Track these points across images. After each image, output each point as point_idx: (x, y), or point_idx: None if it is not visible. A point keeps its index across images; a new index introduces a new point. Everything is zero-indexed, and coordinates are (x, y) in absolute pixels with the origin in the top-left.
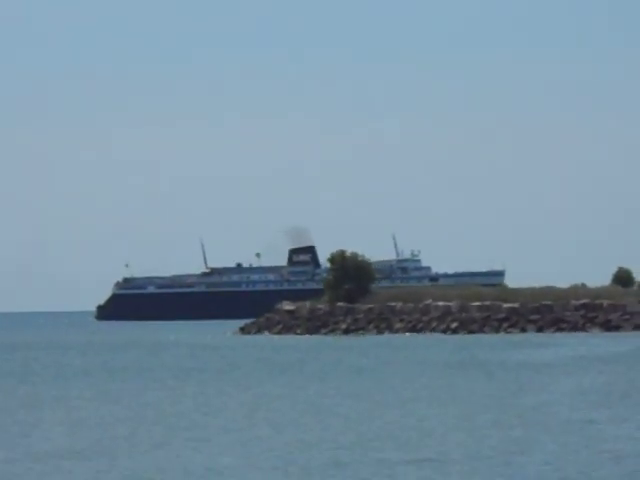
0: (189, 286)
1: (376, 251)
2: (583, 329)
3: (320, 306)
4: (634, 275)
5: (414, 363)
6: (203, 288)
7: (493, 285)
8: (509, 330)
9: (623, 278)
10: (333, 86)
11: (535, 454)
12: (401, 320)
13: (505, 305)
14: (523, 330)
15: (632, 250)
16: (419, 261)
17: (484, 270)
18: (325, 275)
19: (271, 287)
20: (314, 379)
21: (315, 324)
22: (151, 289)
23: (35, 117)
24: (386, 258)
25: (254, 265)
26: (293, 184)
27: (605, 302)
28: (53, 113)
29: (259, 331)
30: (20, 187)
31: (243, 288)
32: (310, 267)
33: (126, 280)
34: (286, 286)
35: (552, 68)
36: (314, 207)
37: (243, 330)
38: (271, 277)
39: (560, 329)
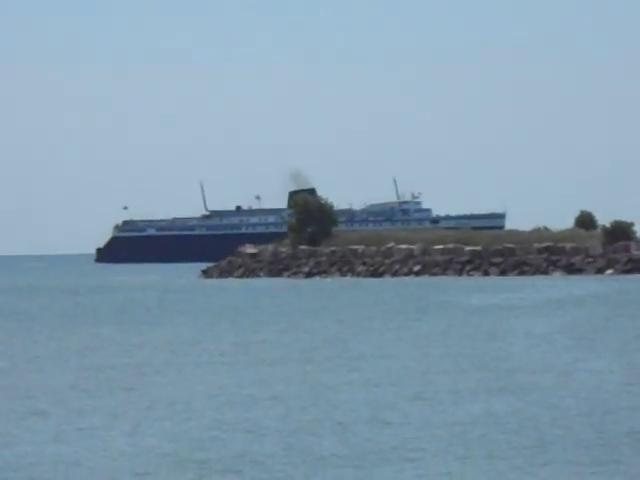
0: (189, 229)
1: (377, 193)
2: (546, 272)
3: (283, 249)
4: (596, 218)
5: (376, 307)
6: (203, 231)
7: (494, 228)
8: (471, 273)
9: (585, 221)
10: (333, 28)
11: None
12: (363, 263)
13: (467, 248)
14: (486, 273)
15: (594, 193)
16: (420, 203)
17: (485, 212)
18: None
19: (271, 229)
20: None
21: (277, 267)
22: (151, 231)
23: (33, 55)
24: (387, 200)
25: (254, 207)
26: (292, 126)
27: (568, 245)
28: (50, 51)
29: (221, 275)
30: (19, 128)
31: (243, 230)
32: None
33: (126, 223)
34: (286, 228)
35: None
36: (314, 149)
37: (205, 273)
38: (271, 219)
39: (522, 272)
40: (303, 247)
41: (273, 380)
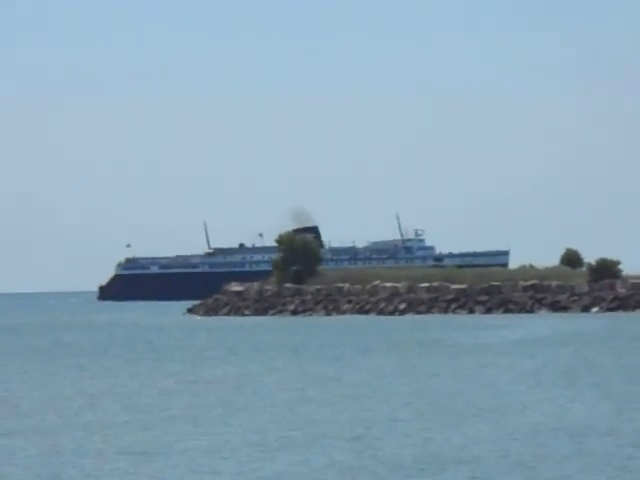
0: (192, 266)
1: (380, 231)
2: (531, 310)
3: (268, 287)
4: (582, 256)
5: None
6: (206, 268)
7: (498, 265)
8: (457, 311)
9: (571, 259)
10: (334, 67)
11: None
12: (349, 301)
13: (453, 286)
14: (471, 311)
15: (580, 231)
16: (423, 241)
17: (489, 250)
18: (327, 255)
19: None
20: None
21: (263, 305)
22: (154, 269)
23: (34, 90)
24: (390, 238)
25: (257, 245)
26: (295, 165)
27: (553, 283)
28: (55, 85)
29: (207, 312)
30: (21, 163)
31: (246, 268)
32: None
33: (128, 260)
34: None
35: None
36: (317, 188)
37: (191, 311)
38: (274, 257)
39: (508, 310)
40: (288, 285)
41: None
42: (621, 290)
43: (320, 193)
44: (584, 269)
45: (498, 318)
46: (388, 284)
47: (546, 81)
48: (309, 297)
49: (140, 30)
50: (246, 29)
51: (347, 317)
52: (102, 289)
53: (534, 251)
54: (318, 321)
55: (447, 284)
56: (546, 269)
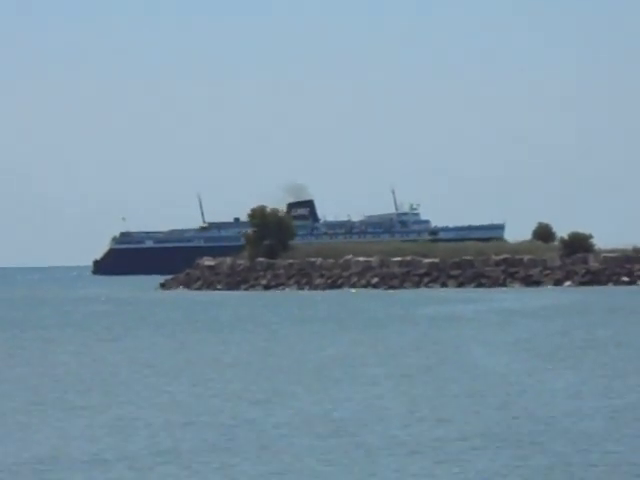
0: (187, 240)
1: (375, 205)
2: (504, 284)
3: (240, 262)
4: (554, 230)
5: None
6: (201, 242)
7: (493, 239)
8: (430, 285)
9: (543, 233)
10: (329, 43)
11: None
12: (321, 276)
13: (425, 260)
14: (444, 285)
15: (552, 205)
16: (418, 215)
17: (484, 224)
18: (322, 229)
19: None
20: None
21: (235, 280)
22: (149, 243)
23: (35, 66)
24: (385, 212)
25: None
26: (291, 138)
27: (525, 257)
28: (48, 63)
29: (180, 287)
30: (16, 139)
31: (241, 242)
32: (309, 221)
33: (123, 234)
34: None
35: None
36: (312, 161)
37: (164, 286)
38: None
39: (481, 284)
40: (261, 260)
41: None
42: (593, 264)
43: (315, 167)
44: (556, 243)
45: (470, 292)
46: (361, 258)
47: (539, 58)
48: (281, 271)
49: (134, 12)
50: (239, 6)
51: (319, 291)
52: (96, 263)
53: (530, 224)
54: (288, 295)
55: (419, 258)
56: (518, 243)
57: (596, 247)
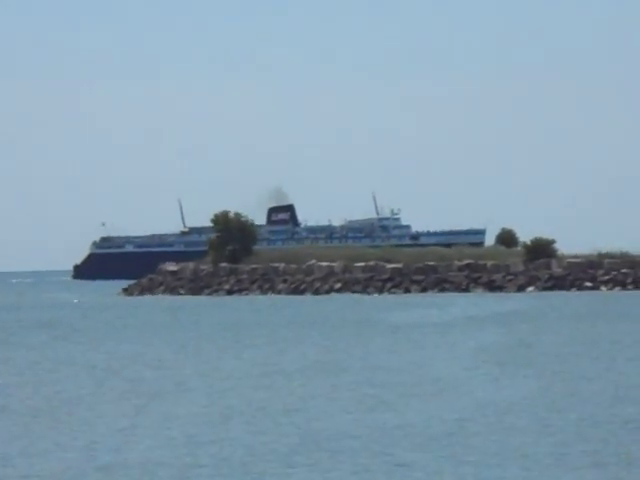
0: (168, 245)
1: (356, 210)
2: (467, 289)
3: (203, 267)
4: (517, 236)
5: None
6: (181, 247)
7: (474, 244)
8: (393, 291)
9: (506, 239)
10: (310, 44)
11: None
12: (284, 281)
13: (389, 266)
14: (407, 290)
15: (515, 210)
16: (399, 219)
17: (465, 229)
18: (303, 234)
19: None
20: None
21: (198, 285)
22: (129, 248)
23: (14, 69)
24: (366, 217)
25: None
26: (271, 142)
27: (488, 262)
28: (25, 68)
29: (142, 292)
30: None
31: None
32: (289, 226)
33: (104, 239)
34: (265, 245)
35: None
36: (293, 166)
37: (126, 291)
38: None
39: (444, 290)
40: (224, 265)
41: None
42: (557, 269)
43: (296, 172)
44: (519, 248)
45: (432, 297)
46: (324, 263)
47: (521, 62)
48: (245, 276)
49: (117, 14)
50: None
51: (281, 297)
52: (77, 268)
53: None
54: (246, 300)
55: (383, 263)
56: (481, 249)
57: (559, 252)
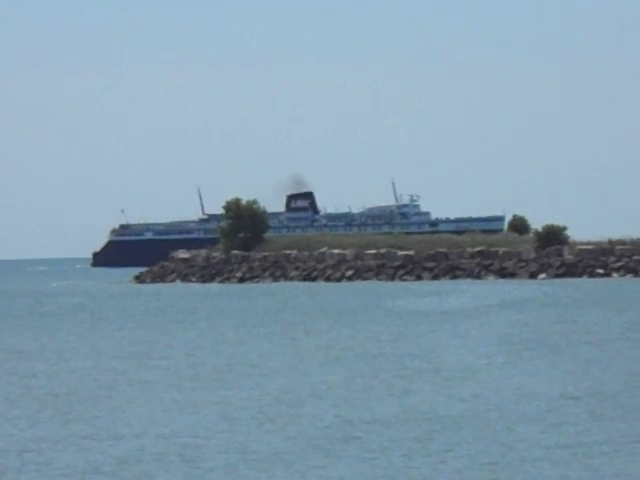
0: (186, 232)
1: (375, 197)
2: (479, 277)
3: (215, 254)
4: (529, 223)
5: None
6: (201, 234)
7: (494, 231)
8: (404, 278)
9: (518, 226)
10: (328, 32)
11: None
12: (296, 268)
13: (400, 253)
14: (419, 278)
15: (527, 197)
16: (418, 206)
17: (484, 215)
18: (322, 221)
19: (270, 233)
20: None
21: (210, 272)
22: (148, 235)
23: (28, 58)
24: (385, 203)
25: None
26: (291, 130)
27: (500, 249)
28: (46, 54)
29: (154, 280)
30: (14, 132)
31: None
32: (309, 213)
33: (122, 226)
34: (285, 232)
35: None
36: (312, 153)
37: (138, 279)
38: (269, 223)
39: (455, 277)
40: (235, 252)
41: None
42: (568, 256)
43: (315, 159)
44: (531, 235)
45: (445, 284)
46: (335, 251)
47: (534, 56)
48: (256, 264)
49: (134, 5)
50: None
51: (293, 283)
52: (96, 256)
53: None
54: (261, 288)
55: (394, 250)
56: (494, 236)
57: (571, 239)
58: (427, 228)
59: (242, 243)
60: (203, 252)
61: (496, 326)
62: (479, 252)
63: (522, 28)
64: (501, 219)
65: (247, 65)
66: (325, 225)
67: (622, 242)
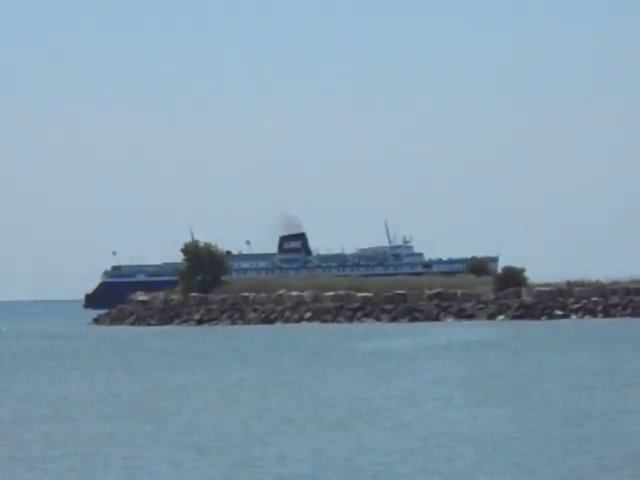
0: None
1: (368, 238)
2: (437, 318)
3: (173, 297)
4: (489, 265)
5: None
6: None
7: (488, 272)
8: (363, 319)
9: (477, 267)
10: (320, 73)
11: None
12: (254, 310)
13: (359, 294)
14: (377, 319)
15: (485, 240)
16: (412, 247)
17: (478, 256)
18: (315, 262)
19: (262, 274)
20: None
21: (169, 315)
22: (141, 277)
23: (16, 102)
24: (378, 244)
25: (244, 252)
26: (283, 172)
27: (459, 291)
28: (32, 95)
29: (113, 322)
30: (4, 173)
31: (234, 276)
32: (301, 254)
33: (115, 268)
34: (277, 273)
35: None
36: (305, 194)
37: (97, 321)
38: (262, 264)
39: (414, 318)
40: (194, 294)
41: None
42: (527, 298)
43: (308, 200)
44: (490, 277)
45: (402, 326)
46: (294, 293)
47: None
48: (215, 306)
49: (132, 30)
50: (234, 30)
51: (251, 326)
52: (88, 297)
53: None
54: (216, 330)
55: (353, 292)
56: (452, 278)
57: (529, 281)
58: (420, 269)
59: (200, 285)
60: (161, 294)
61: (446, 368)
62: (437, 294)
63: (525, 74)
64: (495, 260)
65: (240, 104)
66: (318, 266)
67: (580, 284)
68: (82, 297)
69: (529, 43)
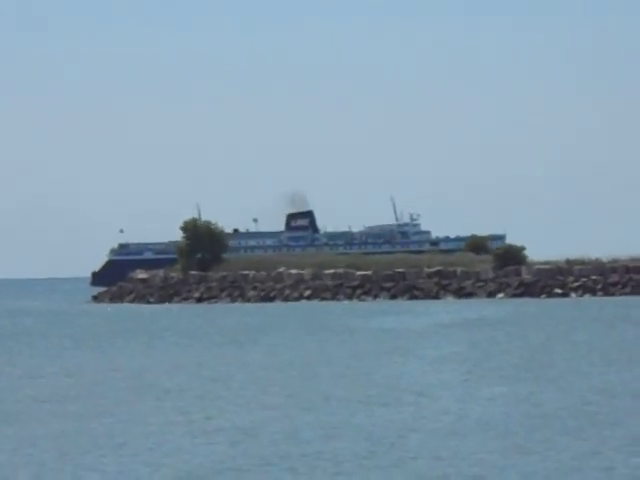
0: None
1: (375, 215)
2: (437, 296)
3: (173, 274)
4: (489, 244)
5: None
6: None
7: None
8: (362, 298)
9: (476, 245)
10: (329, 50)
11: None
12: (254, 288)
13: (358, 273)
14: (376, 297)
15: (485, 217)
16: (419, 225)
17: (485, 234)
18: (322, 240)
19: (269, 252)
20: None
21: (168, 292)
22: (148, 255)
23: (31, 83)
24: (386, 222)
25: (251, 230)
26: (291, 149)
27: (458, 269)
28: (42, 72)
29: (112, 300)
30: (15, 152)
31: (241, 254)
32: (308, 232)
33: (122, 246)
34: (284, 251)
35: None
36: (312, 171)
37: (96, 299)
38: (269, 242)
39: (413, 296)
40: (193, 272)
41: None
42: (526, 276)
43: (315, 177)
44: (489, 255)
45: (401, 304)
46: (293, 271)
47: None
48: (214, 284)
49: (134, 23)
50: (240, 15)
51: (251, 304)
52: (95, 275)
53: (530, 235)
54: (215, 308)
55: (352, 270)
56: (451, 255)
57: (529, 259)
58: (427, 247)
59: (200, 263)
60: (161, 272)
61: (447, 346)
62: (437, 272)
63: (532, 50)
64: (502, 238)
65: (247, 83)
66: (325, 244)
67: (580, 262)
68: (86, 275)
69: (531, 43)
